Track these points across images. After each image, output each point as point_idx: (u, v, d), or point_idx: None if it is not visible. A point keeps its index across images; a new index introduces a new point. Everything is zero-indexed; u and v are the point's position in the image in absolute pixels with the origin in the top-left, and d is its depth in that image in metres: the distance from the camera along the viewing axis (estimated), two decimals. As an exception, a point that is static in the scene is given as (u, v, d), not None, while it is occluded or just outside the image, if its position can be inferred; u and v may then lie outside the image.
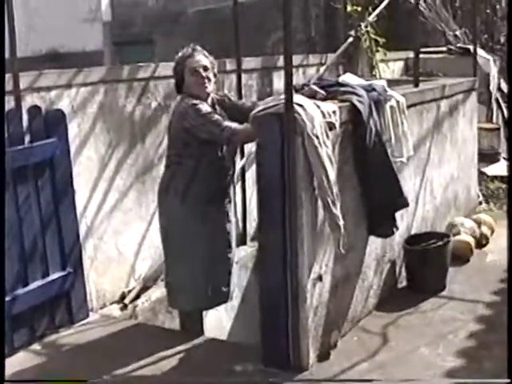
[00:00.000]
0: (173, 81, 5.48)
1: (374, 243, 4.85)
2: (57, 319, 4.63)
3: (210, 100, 4.24)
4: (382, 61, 8.45)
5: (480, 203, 7.62)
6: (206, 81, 4.18)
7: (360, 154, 4.46)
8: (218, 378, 3.96)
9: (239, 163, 5.67)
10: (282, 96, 3.86)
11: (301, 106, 3.85)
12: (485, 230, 6.44)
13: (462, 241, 5.97)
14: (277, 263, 3.93)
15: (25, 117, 4.36)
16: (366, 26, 8.19)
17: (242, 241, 6.06)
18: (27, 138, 4.36)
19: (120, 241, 5.35)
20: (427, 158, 5.91)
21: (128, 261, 5.44)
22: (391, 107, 4.79)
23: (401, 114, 4.90)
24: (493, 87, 9.54)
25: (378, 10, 8.36)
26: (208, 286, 4.26)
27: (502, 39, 12.27)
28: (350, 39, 8.06)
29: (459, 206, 6.79)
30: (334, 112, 4.12)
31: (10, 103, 4.29)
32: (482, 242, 6.33)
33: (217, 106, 4.28)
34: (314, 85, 4.48)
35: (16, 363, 4.10)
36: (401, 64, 9.47)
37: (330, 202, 3.95)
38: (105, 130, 5.18)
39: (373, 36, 8.24)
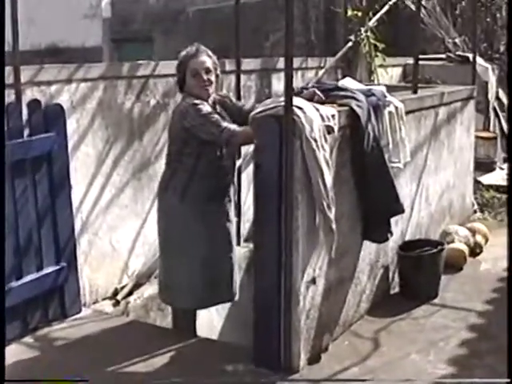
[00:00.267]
0: (172, 79, 5.54)
1: (368, 248, 4.86)
2: (50, 313, 4.63)
3: (211, 100, 4.24)
4: (381, 66, 8.47)
5: (475, 212, 7.64)
6: (207, 83, 4.18)
7: (357, 158, 4.47)
8: (209, 378, 3.96)
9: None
10: (282, 98, 3.87)
11: (300, 108, 3.86)
12: (479, 238, 6.46)
13: (456, 249, 5.99)
14: (271, 264, 3.94)
15: (24, 110, 4.36)
16: (366, 31, 8.22)
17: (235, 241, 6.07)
18: (26, 132, 4.37)
19: (114, 237, 5.35)
20: (424, 164, 5.93)
21: (122, 257, 5.45)
22: (390, 113, 4.81)
23: (399, 120, 4.92)
24: (491, 96, 9.58)
25: (378, 16, 8.39)
26: (206, 284, 4.26)
27: (502, 48, 12.31)
28: (350, 44, 8.09)
29: (454, 214, 6.81)
30: (333, 116, 4.13)
31: (10, 96, 4.29)
32: (475, 250, 6.35)
33: (217, 106, 4.29)
34: (313, 88, 4.50)
35: (8, 355, 4.07)
36: (399, 70, 9.50)
37: (325, 206, 3.96)
38: (103, 126, 5.18)
39: (372, 41, 8.27)
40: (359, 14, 8.40)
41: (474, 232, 6.49)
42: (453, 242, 6.12)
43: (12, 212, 4.27)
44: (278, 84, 6.77)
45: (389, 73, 8.88)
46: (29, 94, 4.55)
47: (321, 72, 7.67)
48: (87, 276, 5.11)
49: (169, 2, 13.70)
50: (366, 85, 5.32)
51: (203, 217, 4.19)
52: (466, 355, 4.32)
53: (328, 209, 3.97)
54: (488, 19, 12.07)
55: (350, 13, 8.43)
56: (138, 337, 4.55)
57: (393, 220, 4.83)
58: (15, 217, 4.31)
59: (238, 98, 5.95)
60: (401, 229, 5.40)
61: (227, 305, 4.78)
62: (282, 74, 4.08)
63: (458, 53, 10.09)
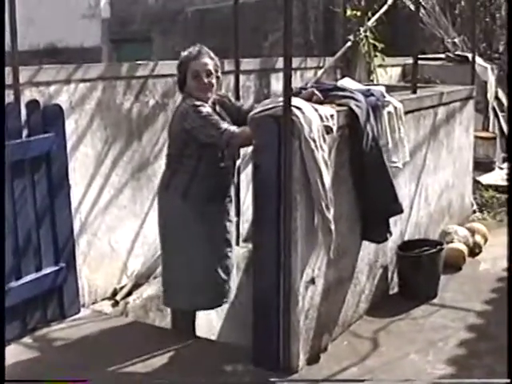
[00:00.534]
0: (171, 79, 5.55)
1: (367, 248, 4.86)
2: (48, 313, 4.63)
3: (210, 101, 4.23)
4: (380, 66, 8.48)
5: (474, 212, 7.64)
6: (208, 86, 4.17)
7: (356, 158, 4.47)
8: (208, 378, 3.96)
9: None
10: (281, 98, 3.86)
11: (299, 108, 3.86)
12: (478, 238, 6.46)
13: (455, 249, 5.99)
14: (270, 265, 3.94)
15: (23, 111, 4.36)
16: (365, 31, 8.22)
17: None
18: (25, 132, 4.36)
19: (113, 237, 5.35)
20: (423, 164, 5.93)
21: (121, 257, 5.44)
22: (389, 113, 4.81)
23: (398, 120, 4.93)
24: (490, 96, 9.58)
25: (377, 15, 8.40)
26: (208, 285, 4.26)
27: (501, 48, 12.33)
28: (349, 43, 8.10)
29: (453, 214, 6.81)
30: (332, 116, 4.13)
31: (9, 97, 4.29)
32: (475, 250, 6.35)
33: (217, 107, 4.28)
34: (312, 88, 4.50)
35: (7, 356, 4.07)
36: (398, 70, 9.50)
37: (323, 206, 3.96)
38: (102, 127, 5.18)
39: (371, 41, 8.28)
40: (358, 13, 8.41)
41: (473, 232, 6.49)
42: (452, 241, 6.12)
43: (11, 212, 4.27)
44: (276, 84, 6.77)
45: (388, 72, 8.89)
46: (27, 95, 4.55)
47: (320, 72, 7.67)
48: (86, 276, 5.10)
49: (167, 2, 13.71)
50: (365, 85, 5.32)
51: (204, 217, 4.19)
52: (464, 355, 4.31)
53: (326, 209, 3.97)
54: (487, 19, 12.09)
55: (349, 13, 8.44)
56: (137, 337, 4.55)
57: (392, 220, 4.83)
58: (14, 217, 4.30)
59: (237, 98, 5.95)
60: (400, 229, 5.40)
61: (226, 305, 4.78)
62: (281, 74, 4.08)
63: (457, 52, 10.10)
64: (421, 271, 5.25)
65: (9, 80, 4.30)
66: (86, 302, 5.07)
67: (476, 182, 8.13)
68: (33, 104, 4.44)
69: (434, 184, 6.23)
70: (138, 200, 5.50)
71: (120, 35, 14.15)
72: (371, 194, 4.57)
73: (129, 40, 13.86)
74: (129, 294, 5.37)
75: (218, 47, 4.51)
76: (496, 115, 9.87)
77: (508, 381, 3.32)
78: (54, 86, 4.79)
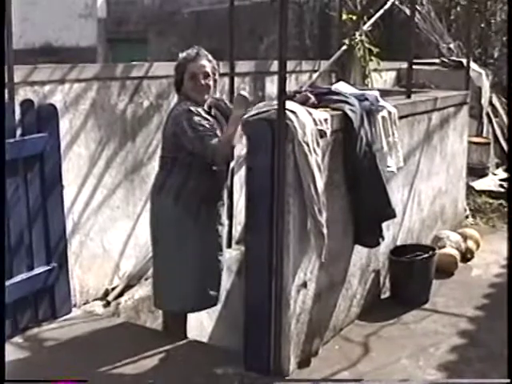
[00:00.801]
0: (166, 81, 5.55)
1: (360, 252, 4.86)
2: (40, 313, 4.62)
3: (206, 104, 4.22)
4: (375, 70, 8.49)
5: (467, 217, 7.65)
6: (205, 88, 4.17)
7: (350, 162, 4.47)
8: (199, 380, 3.95)
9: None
10: (275, 102, 3.87)
11: (293, 112, 3.86)
12: (470, 244, 6.47)
13: (447, 254, 6.00)
14: (262, 268, 3.93)
15: (17, 110, 4.35)
16: (361, 35, 8.23)
17: (227, 244, 6.07)
18: (19, 132, 4.35)
19: (106, 238, 5.34)
20: (416, 169, 5.94)
21: (113, 258, 5.43)
22: (383, 117, 4.82)
23: (392, 125, 4.93)
24: (484, 101, 9.60)
25: (372, 20, 8.42)
26: (198, 288, 4.25)
27: (496, 53, 12.35)
28: (344, 47, 8.11)
29: (446, 219, 6.82)
30: (326, 120, 4.13)
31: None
32: (467, 256, 6.36)
33: (213, 110, 4.28)
34: (306, 92, 4.50)
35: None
36: (393, 74, 9.51)
37: (316, 210, 3.96)
38: (96, 127, 5.17)
39: (367, 45, 8.28)
40: (354, 17, 8.42)
41: (465, 237, 6.50)
42: (444, 247, 6.13)
43: (3, 212, 4.26)
44: (271, 87, 6.77)
45: (383, 77, 8.91)
46: (22, 94, 4.54)
47: (315, 75, 7.68)
48: (78, 277, 5.09)
49: (164, 3, 13.72)
50: (360, 89, 5.33)
51: (195, 220, 4.18)
52: (455, 361, 4.32)
53: (319, 213, 3.98)
54: (482, 25, 12.11)
55: (344, 17, 8.45)
56: (128, 338, 4.55)
57: (384, 225, 4.83)
58: (6, 217, 4.29)
59: (232, 100, 5.94)
60: (392, 233, 5.41)
61: (218, 307, 4.78)
62: (276, 77, 4.08)
63: (452, 58, 10.11)
64: (413, 276, 5.26)
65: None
66: (77, 302, 5.06)
67: (469, 188, 8.14)
68: (27, 103, 4.43)
69: (427, 189, 6.24)
70: (130, 201, 5.49)
71: (116, 35, 14.16)
72: (364, 199, 4.57)
73: (125, 40, 13.86)
74: (120, 294, 5.36)
75: (214, 49, 4.51)
76: (490, 121, 9.90)
77: (508, 381, 3.32)
78: (49, 85, 4.78)
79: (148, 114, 5.57)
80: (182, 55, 4.26)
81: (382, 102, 4.81)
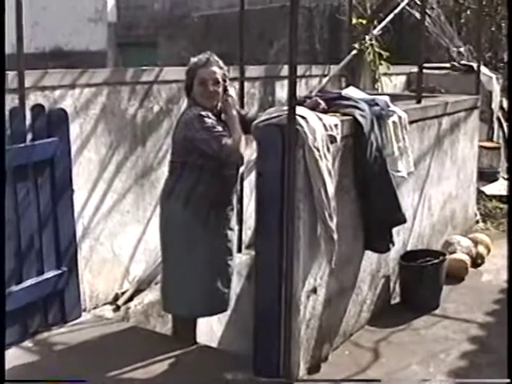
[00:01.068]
0: (175, 85, 5.56)
1: (370, 258, 4.85)
2: (50, 317, 4.62)
3: (217, 108, 4.23)
4: (385, 74, 8.48)
5: (477, 222, 7.62)
6: (213, 94, 4.18)
7: (360, 168, 4.47)
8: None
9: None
10: (285, 107, 3.86)
11: (303, 118, 3.86)
12: (481, 249, 6.45)
13: (458, 259, 5.98)
14: (272, 273, 3.93)
15: (28, 115, 4.36)
16: (371, 39, 8.23)
17: (237, 249, 6.07)
18: (29, 137, 4.36)
19: (116, 242, 5.35)
20: (427, 174, 5.92)
21: (123, 263, 5.44)
22: (393, 122, 4.81)
23: (402, 130, 4.92)
24: (495, 106, 9.56)
25: (382, 24, 8.41)
26: (207, 292, 4.25)
27: (506, 57, 12.31)
28: (354, 52, 8.10)
29: (456, 224, 6.79)
30: (336, 125, 4.13)
31: (14, 101, 4.30)
32: (477, 261, 6.34)
33: (223, 115, 4.28)
34: (316, 97, 4.50)
35: (7, 359, 4.07)
36: (403, 78, 9.49)
37: (326, 216, 3.95)
38: (106, 132, 5.18)
39: (377, 49, 8.28)
40: (364, 22, 8.42)
41: (476, 242, 6.47)
42: (455, 252, 6.11)
43: (14, 216, 4.27)
44: (281, 91, 6.77)
45: (393, 81, 8.89)
46: (32, 99, 4.56)
47: (324, 80, 7.67)
48: (88, 281, 5.10)
49: (174, 7, 13.75)
50: (370, 94, 5.32)
51: (205, 225, 4.18)
52: (466, 367, 4.30)
53: (329, 218, 3.97)
54: (493, 28, 12.07)
55: (354, 21, 8.44)
56: (138, 343, 4.55)
57: (394, 230, 4.82)
58: (17, 221, 4.30)
59: (242, 105, 5.95)
60: (402, 239, 5.39)
61: (228, 311, 4.77)
62: (286, 82, 4.08)
63: (462, 62, 10.09)
64: (423, 282, 5.24)
65: (14, 84, 4.31)
66: (87, 306, 5.07)
67: (480, 192, 8.11)
68: (37, 108, 4.44)
69: (437, 194, 6.22)
70: (140, 206, 5.50)
71: (126, 39, 14.21)
72: (374, 204, 4.56)
73: (135, 44, 13.91)
74: (130, 299, 5.37)
75: (223, 53, 4.51)
76: (501, 125, 9.86)
77: (508, 381, 3.31)
78: (59, 90, 4.80)
79: (158, 118, 5.59)
80: (193, 60, 4.26)
81: (392, 107, 4.80)
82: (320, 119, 4.01)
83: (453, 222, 6.71)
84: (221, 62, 4.26)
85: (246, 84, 6.31)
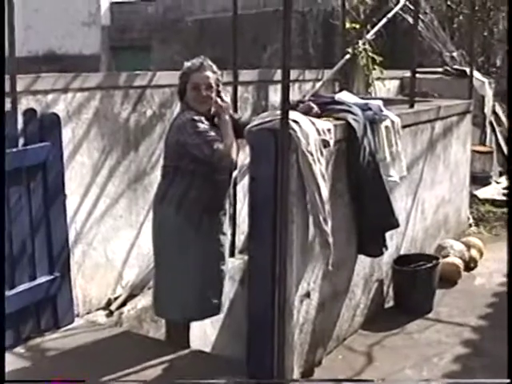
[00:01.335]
0: (169, 90, 5.55)
1: (363, 262, 4.85)
2: (42, 323, 4.60)
3: (210, 112, 4.22)
4: (378, 79, 8.49)
5: (470, 226, 7.64)
6: (206, 99, 4.18)
7: (353, 172, 4.47)
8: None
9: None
10: (278, 112, 3.86)
11: (296, 122, 3.86)
12: (474, 253, 6.46)
13: (451, 263, 5.98)
14: (265, 278, 3.92)
15: (20, 119, 4.35)
16: (364, 44, 8.25)
17: (230, 253, 6.06)
18: (21, 141, 4.35)
19: (108, 247, 5.34)
20: (419, 178, 5.93)
21: (116, 268, 5.43)
22: (386, 127, 4.82)
23: (395, 134, 4.93)
24: (487, 110, 9.60)
25: (376, 28, 8.43)
26: (199, 297, 4.24)
27: (499, 62, 12.36)
28: (347, 56, 8.12)
29: (449, 228, 6.81)
30: (329, 130, 4.13)
31: (6, 105, 4.28)
32: (470, 265, 6.35)
33: (216, 119, 4.27)
34: (309, 101, 4.50)
35: (-2, 365, 4.08)
36: (396, 83, 9.52)
37: (321, 219, 3.96)
38: (99, 136, 5.17)
39: (370, 54, 8.30)
40: (357, 26, 8.44)
41: (469, 246, 6.48)
42: (448, 256, 6.12)
43: (6, 221, 4.25)
44: (274, 96, 6.78)
45: (386, 85, 8.91)
46: (24, 103, 4.54)
47: (318, 84, 7.68)
48: (81, 286, 5.09)
49: (167, 11, 13.75)
50: (363, 98, 5.33)
51: (197, 229, 4.18)
52: (459, 371, 4.31)
53: (324, 222, 3.98)
54: (485, 33, 12.12)
55: (348, 25, 8.46)
56: (131, 348, 4.53)
57: (388, 234, 4.82)
58: (9, 226, 4.29)
59: (235, 109, 5.94)
60: (396, 243, 5.40)
61: (221, 316, 4.77)
62: (279, 86, 4.07)
63: (455, 66, 10.12)
64: (416, 286, 5.25)
65: (6, 88, 4.29)
66: (80, 311, 5.05)
67: (472, 196, 8.13)
68: (30, 113, 4.42)
69: (430, 198, 6.23)
70: (133, 210, 5.49)
71: (119, 43, 14.20)
72: (368, 208, 4.57)
73: (128, 48, 13.91)
74: (123, 304, 5.35)
75: (217, 58, 4.51)
76: (493, 129, 9.89)
77: (508, 381, 3.31)
78: (52, 94, 4.79)
79: (151, 123, 5.58)
80: (186, 64, 4.27)
81: (385, 112, 4.81)
82: (313, 123, 4.01)
83: (446, 226, 6.72)
84: (214, 67, 4.26)
85: (240, 88, 6.31)
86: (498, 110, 10.18)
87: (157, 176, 4.68)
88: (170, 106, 5.62)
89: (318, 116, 4.26)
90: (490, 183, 9.05)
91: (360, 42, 8.20)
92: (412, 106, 6.06)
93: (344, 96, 4.88)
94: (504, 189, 8.86)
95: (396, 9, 8.77)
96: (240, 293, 5.36)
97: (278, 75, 4.99)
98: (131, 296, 5.45)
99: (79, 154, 5.03)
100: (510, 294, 3.90)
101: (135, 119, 5.45)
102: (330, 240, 4.00)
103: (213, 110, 4.24)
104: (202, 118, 4.11)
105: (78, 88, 4.98)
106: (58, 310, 4.68)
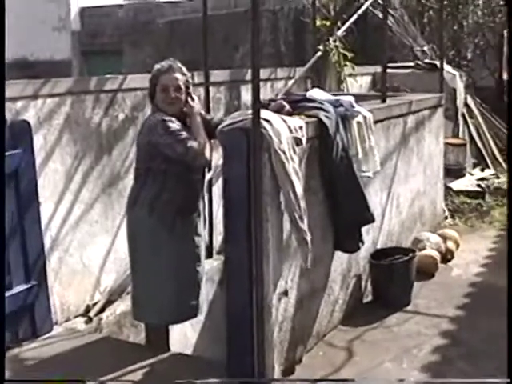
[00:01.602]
0: (140, 93, 5.53)
1: (340, 258, 4.87)
2: (20, 332, 4.55)
3: (181, 114, 4.22)
4: (350, 75, 8.53)
5: (446, 218, 7.70)
6: (175, 101, 4.17)
7: (326, 169, 4.49)
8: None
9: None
10: (249, 111, 3.86)
11: (268, 121, 3.87)
12: (450, 244, 6.51)
13: (428, 256, 6.03)
14: (242, 278, 3.92)
15: (-11, 128, 4.31)
16: (335, 41, 8.29)
17: (207, 254, 6.05)
18: (-8, 150, 4.31)
19: (85, 253, 5.30)
20: (394, 172, 5.96)
21: (93, 274, 5.39)
22: (358, 123, 4.84)
23: (368, 130, 4.95)
24: (459, 102, 9.67)
25: (346, 25, 8.46)
26: (176, 299, 4.23)
27: (469, 55, 12.47)
28: (319, 53, 8.14)
29: (425, 221, 6.85)
30: (301, 127, 4.14)
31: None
32: (447, 256, 6.40)
33: (188, 120, 4.26)
34: (281, 99, 4.51)
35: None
36: (368, 78, 9.57)
37: (297, 217, 3.96)
38: (71, 142, 5.14)
39: (341, 50, 8.33)
40: (328, 23, 8.47)
41: (445, 238, 6.54)
42: (424, 248, 6.16)
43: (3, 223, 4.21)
44: (247, 95, 6.78)
45: (358, 81, 8.95)
46: (-6, 111, 4.50)
47: (290, 82, 7.70)
48: (58, 294, 5.05)
49: (138, 13, 13.71)
50: (335, 95, 5.35)
51: (170, 231, 4.16)
52: (438, 362, 4.35)
53: (300, 220, 3.98)
54: (455, 27, 12.23)
55: (318, 23, 8.49)
56: (111, 353, 4.50)
57: (364, 229, 4.85)
58: (-17, 236, 4.25)
59: (208, 110, 5.94)
60: (372, 237, 5.43)
61: (201, 318, 4.76)
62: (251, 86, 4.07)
63: (426, 60, 10.19)
64: (394, 279, 5.28)
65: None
66: (58, 319, 5.01)
67: (447, 189, 8.19)
68: (-1, 120, 4.39)
69: (405, 192, 6.26)
70: (109, 215, 5.46)
71: (90, 47, 14.14)
72: (342, 204, 4.58)
73: (99, 52, 13.84)
74: (102, 310, 5.31)
75: (188, 59, 4.50)
76: (466, 122, 9.97)
77: (508, 381, 3.34)
78: (21, 101, 4.75)
79: (123, 126, 5.55)
80: (156, 67, 4.26)
81: (356, 108, 4.83)
82: (285, 122, 4.02)
83: (421, 219, 6.76)
84: (184, 69, 4.26)
85: (212, 89, 6.30)
86: (470, 102, 10.27)
87: (131, 180, 4.65)
88: (142, 108, 5.59)
89: (290, 114, 4.27)
90: (464, 175, 9.12)
91: (331, 39, 8.23)
92: (384, 101, 6.09)
93: (315, 93, 4.89)
94: (478, 180, 8.95)
95: (366, 5, 8.80)
96: (219, 294, 5.36)
97: (250, 75, 5.00)
98: (110, 301, 5.41)
99: (52, 161, 4.99)
100: (510, 294, 3.93)
101: (107, 123, 5.42)
102: (308, 238, 4.01)
103: (184, 110, 4.23)
104: (173, 119, 4.11)
105: (47, 94, 4.94)
106: (36, 318, 4.62)
